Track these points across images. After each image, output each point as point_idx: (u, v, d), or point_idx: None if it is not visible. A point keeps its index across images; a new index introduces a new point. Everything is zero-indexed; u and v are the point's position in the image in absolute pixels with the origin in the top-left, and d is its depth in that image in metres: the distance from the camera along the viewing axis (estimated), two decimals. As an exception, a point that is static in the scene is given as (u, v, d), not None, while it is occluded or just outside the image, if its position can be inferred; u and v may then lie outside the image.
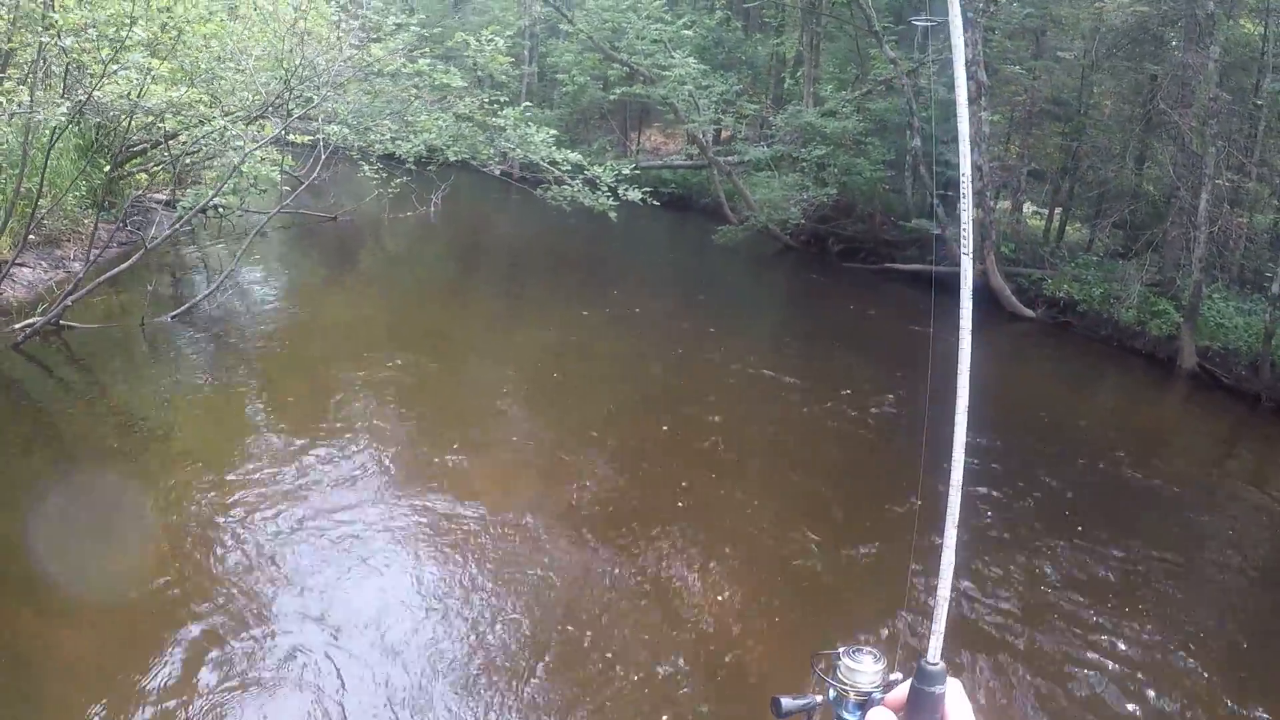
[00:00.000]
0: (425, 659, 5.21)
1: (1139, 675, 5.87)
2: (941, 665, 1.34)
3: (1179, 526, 8.64)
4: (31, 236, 10.72)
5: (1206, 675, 5.99)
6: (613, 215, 13.97)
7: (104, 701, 4.62)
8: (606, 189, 13.71)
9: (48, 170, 10.54)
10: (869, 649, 1.40)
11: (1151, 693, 5.69)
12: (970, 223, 1.48)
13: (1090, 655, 6.02)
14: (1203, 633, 6.57)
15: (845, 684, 1.40)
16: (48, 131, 9.53)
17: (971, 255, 1.46)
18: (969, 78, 17.19)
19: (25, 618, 5.28)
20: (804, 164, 20.67)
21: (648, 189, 14.14)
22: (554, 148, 13.47)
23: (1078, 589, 6.88)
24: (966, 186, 1.51)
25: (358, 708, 4.77)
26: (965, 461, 1.43)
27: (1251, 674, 6.13)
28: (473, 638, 5.48)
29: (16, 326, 9.33)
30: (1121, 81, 18.24)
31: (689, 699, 5.14)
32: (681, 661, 5.43)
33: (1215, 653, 6.33)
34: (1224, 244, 14.51)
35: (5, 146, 10.93)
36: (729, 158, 22.78)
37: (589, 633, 5.65)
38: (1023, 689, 5.64)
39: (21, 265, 10.76)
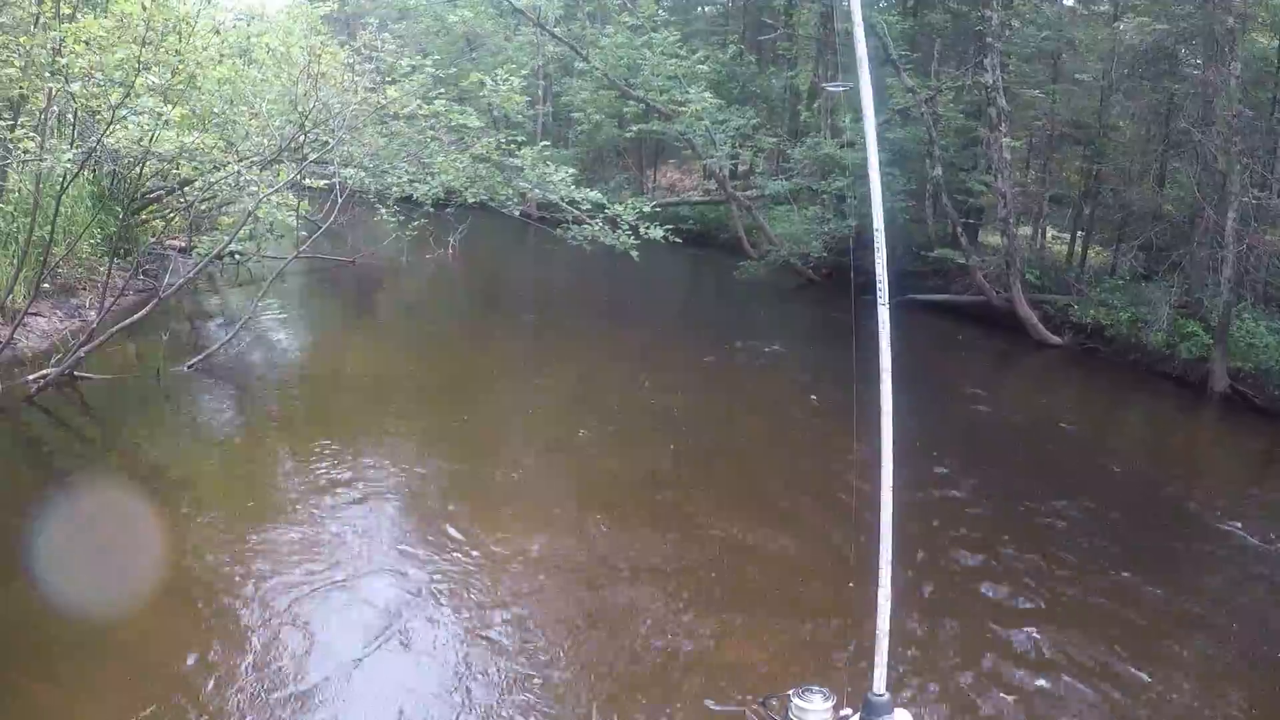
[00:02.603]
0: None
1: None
2: (887, 696, 1.49)
3: (1216, 557, 8.21)
4: (46, 285, 10.57)
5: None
6: (635, 255, 13.76)
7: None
8: (628, 227, 13.54)
9: (62, 218, 10.39)
10: (818, 688, 1.54)
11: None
12: (885, 273, 1.58)
13: (1117, 697, 5.65)
14: (1239, 673, 6.20)
15: None
16: (59, 179, 9.39)
17: (889, 306, 1.58)
18: (989, 104, 17.11)
19: (40, 690, 4.97)
20: (824, 196, 20.46)
21: (668, 226, 13.96)
22: (573, 187, 13.31)
23: (1108, 624, 6.50)
24: (880, 240, 1.58)
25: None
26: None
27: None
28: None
29: (30, 378, 9.09)
30: (1140, 102, 17.99)
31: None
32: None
33: (1254, 695, 5.95)
34: (1250, 262, 14.19)
35: (17, 195, 10.82)
36: (748, 192, 22.59)
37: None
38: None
39: (36, 314, 10.57)
